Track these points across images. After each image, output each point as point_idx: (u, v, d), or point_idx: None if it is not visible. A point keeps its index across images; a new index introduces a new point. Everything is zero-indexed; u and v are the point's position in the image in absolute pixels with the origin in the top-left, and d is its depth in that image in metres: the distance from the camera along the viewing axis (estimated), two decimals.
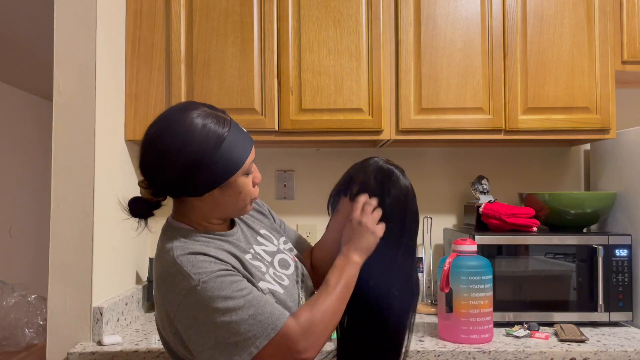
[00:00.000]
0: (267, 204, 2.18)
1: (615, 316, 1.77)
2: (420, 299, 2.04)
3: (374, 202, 1.20)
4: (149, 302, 2.02)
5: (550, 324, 1.77)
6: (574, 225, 1.88)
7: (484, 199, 2.00)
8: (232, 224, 1.23)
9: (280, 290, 1.14)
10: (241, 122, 1.82)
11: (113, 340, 1.57)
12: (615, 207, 1.91)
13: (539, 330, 1.71)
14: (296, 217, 2.21)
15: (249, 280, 1.08)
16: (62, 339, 1.58)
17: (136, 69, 1.87)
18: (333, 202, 1.29)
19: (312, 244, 1.43)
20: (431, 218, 2.17)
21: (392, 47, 1.89)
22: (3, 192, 5.04)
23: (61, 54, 1.62)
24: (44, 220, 5.38)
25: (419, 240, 1.34)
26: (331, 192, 1.30)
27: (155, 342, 1.59)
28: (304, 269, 1.29)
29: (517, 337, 1.65)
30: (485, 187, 2.06)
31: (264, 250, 1.22)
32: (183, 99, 1.84)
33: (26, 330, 4.35)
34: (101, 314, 1.59)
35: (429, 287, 2.13)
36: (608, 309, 1.77)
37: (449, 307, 1.60)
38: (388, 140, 1.91)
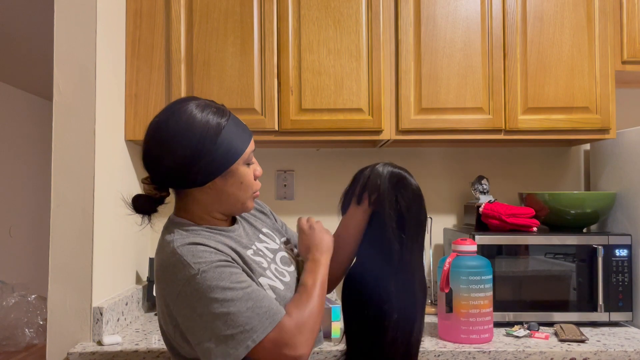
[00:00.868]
0: (267, 204, 2.20)
1: (615, 316, 1.77)
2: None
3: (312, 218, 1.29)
4: (149, 302, 2.02)
5: (550, 324, 1.77)
6: (574, 225, 1.88)
7: (484, 199, 2.00)
8: (233, 222, 1.23)
9: (281, 286, 1.14)
10: None
11: (113, 340, 1.57)
12: (615, 207, 1.91)
13: (539, 330, 1.71)
14: (296, 217, 2.21)
15: (248, 276, 1.08)
16: (62, 339, 1.58)
17: (136, 69, 1.87)
18: (343, 207, 1.32)
19: None
20: (431, 218, 2.17)
21: (392, 47, 1.89)
22: (3, 192, 5.04)
23: (61, 54, 1.62)
24: (44, 220, 5.39)
25: None
26: (342, 198, 1.32)
27: (155, 342, 1.59)
28: None
29: (517, 337, 1.65)
30: (485, 187, 2.06)
31: (266, 247, 1.23)
32: None
33: (26, 330, 4.35)
34: (101, 314, 1.59)
35: (429, 287, 2.13)
36: (608, 309, 1.77)
37: (449, 307, 1.60)
38: (388, 140, 1.92)
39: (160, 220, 1.22)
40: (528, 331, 1.67)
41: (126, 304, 1.79)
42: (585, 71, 1.87)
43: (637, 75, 2.03)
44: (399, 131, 1.88)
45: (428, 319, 1.88)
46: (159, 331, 1.69)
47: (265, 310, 1.02)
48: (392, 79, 1.88)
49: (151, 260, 2.01)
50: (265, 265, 1.16)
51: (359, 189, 1.27)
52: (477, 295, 1.58)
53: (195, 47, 1.86)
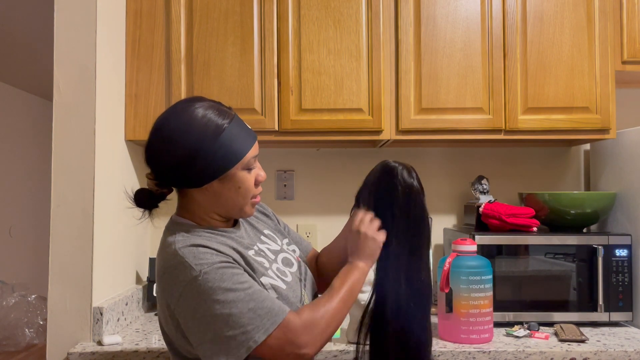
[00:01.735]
0: (267, 204, 2.20)
1: (615, 316, 1.77)
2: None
3: (370, 214, 1.21)
4: (149, 302, 2.02)
5: (550, 324, 1.77)
6: (574, 225, 1.88)
7: (484, 199, 2.00)
8: (235, 223, 1.23)
9: (282, 285, 1.14)
10: None
11: (113, 340, 1.57)
12: (615, 207, 1.91)
13: (539, 330, 1.71)
14: (296, 217, 2.21)
15: (250, 275, 1.08)
16: (62, 339, 1.58)
17: (136, 69, 1.87)
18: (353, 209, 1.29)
19: (312, 244, 1.44)
20: (431, 218, 2.16)
21: (392, 47, 1.89)
22: (3, 192, 5.04)
23: (61, 54, 1.62)
24: (44, 220, 5.38)
25: None
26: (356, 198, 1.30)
27: (155, 342, 1.59)
28: (308, 269, 1.29)
29: (517, 337, 1.65)
30: (485, 187, 2.06)
31: (268, 249, 1.23)
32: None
33: (26, 330, 4.35)
34: (101, 314, 1.59)
35: None
36: (608, 309, 1.77)
37: (449, 307, 1.60)
38: (388, 140, 1.92)
39: (162, 219, 1.22)
40: (528, 331, 1.67)
41: (126, 304, 1.79)
42: (585, 71, 1.87)
43: (637, 75, 2.03)
44: (399, 131, 1.88)
45: None
46: (159, 331, 1.69)
47: (267, 310, 1.01)
48: (392, 79, 1.88)
49: (151, 260, 2.01)
50: (266, 265, 1.16)
51: (361, 188, 1.27)
52: (477, 295, 1.58)
53: (195, 47, 1.86)
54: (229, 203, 1.14)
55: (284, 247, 1.28)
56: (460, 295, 1.58)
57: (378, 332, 1.23)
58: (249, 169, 1.14)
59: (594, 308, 1.77)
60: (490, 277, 1.62)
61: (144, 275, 2.07)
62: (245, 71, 1.85)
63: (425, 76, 1.86)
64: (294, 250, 1.31)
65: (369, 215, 1.21)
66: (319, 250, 1.43)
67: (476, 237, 1.78)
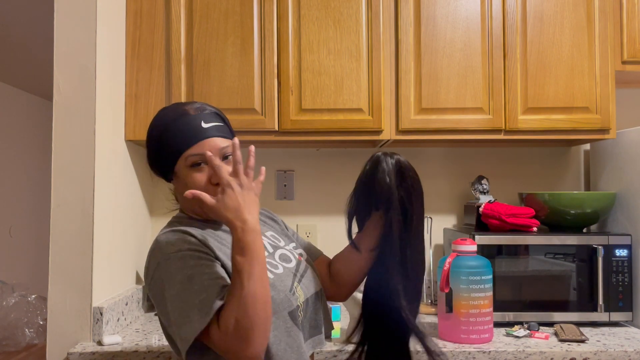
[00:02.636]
0: (267, 204, 2.20)
1: (615, 316, 1.77)
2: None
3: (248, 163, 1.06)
4: (149, 302, 2.02)
5: (550, 324, 1.77)
6: (574, 225, 1.88)
7: (484, 199, 2.00)
8: None
9: (270, 275, 1.13)
10: (241, 122, 1.84)
11: (113, 340, 1.57)
12: (615, 207, 1.91)
13: (539, 330, 1.71)
14: (296, 217, 2.21)
15: (225, 264, 1.08)
16: (62, 339, 1.58)
17: (136, 69, 1.87)
18: (350, 222, 1.26)
19: (312, 244, 1.43)
20: (431, 218, 2.17)
21: (392, 47, 1.89)
22: (3, 192, 5.04)
23: (61, 54, 1.62)
24: (44, 220, 5.39)
25: None
26: (348, 210, 1.26)
27: (155, 342, 1.59)
28: (310, 270, 1.27)
29: (517, 337, 1.65)
30: (485, 187, 2.06)
31: (267, 243, 1.23)
32: (183, 99, 1.85)
33: (26, 330, 4.35)
34: (101, 314, 1.59)
35: (429, 287, 2.13)
36: (608, 309, 1.77)
37: (449, 307, 1.60)
38: (388, 140, 1.92)
39: (163, 220, 1.24)
40: (528, 331, 1.67)
41: (126, 304, 1.79)
42: (585, 71, 1.87)
43: (637, 75, 2.03)
44: (399, 131, 1.88)
45: (428, 319, 1.88)
46: (159, 331, 1.70)
47: (214, 283, 1.00)
48: (392, 79, 1.88)
49: None
50: None
51: (373, 194, 1.21)
52: (477, 295, 1.58)
53: (195, 47, 1.86)
54: (185, 200, 1.17)
55: (286, 247, 1.28)
56: (460, 295, 1.58)
57: (372, 320, 1.23)
58: (193, 166, 1.11)
59: (594, 308, 1.77)
60: (490, 277, 1.62)
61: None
62: (245, 71, 1.85)
63: (425, 76, 1.86)
64: (300, 253, 1.30)
65: (247, 165, 1.06)
66: (328, 256, 1.42)
67: (476, 237, 1.78)
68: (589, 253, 1.78)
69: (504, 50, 1.87)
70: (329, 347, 1.54)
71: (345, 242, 1.31)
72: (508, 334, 1.67)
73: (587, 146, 2.23)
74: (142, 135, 1.86)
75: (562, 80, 1.87)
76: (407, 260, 1.20)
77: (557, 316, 1.77)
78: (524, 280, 1.78)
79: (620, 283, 1.77)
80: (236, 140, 1.07)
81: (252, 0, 1.86)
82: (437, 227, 2.20)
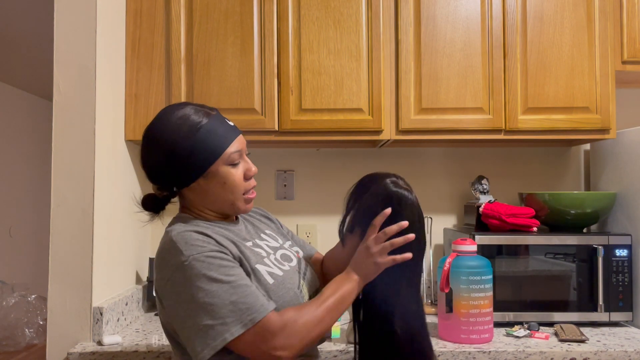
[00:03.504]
0: (267, 204, 2.20)
1: (615, 316, 1.77)
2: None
3: (391, 230, 1.16)
4: (149, 302, 2.02)
5: (550, 324, 1.77)
6: (574, 225, 1.88)
7: (484, 199, 2.00)
8: (235, 219, 1.25)
9: (279, 272, 1.15)
10: (241, 122, 1.83)
11: (113, 340, 1.57)
12: (615, 207, 1.91)
13: (539, 330, 1.71)
14: (296, 217, 2.21)
15: (242, 263, 1.09)
16: (62, 339, 1.58)
17: (136, 69, 1.87)
18: (343, 230, 1.26)
19: (312, 245, 1.44)
20: (431, 218, 2.17)
21: (392, 47, 1.89)
22: (3, 192, 5.04)
23: (61, 54, 1.62)
24: (44, 220, 5.38)
25: None
26: (343, 219, 1.26)
27: (155, 342, 1.59)
28: (309, 268, 1.29)
29: (517, 337, 1.65)
30: (485, 187, 2.06)
31: (267, 245, 1.24)
32: (183, 99, 1.85)
33: (26, 330, 4.35)
34: (101, 314, 1.59)
35: (429, 287, 2.13)
36: (608, 309, 1.76)
37: (449, 307, 1.60)
38: (388, 140, 1.92)
39: (164, 220, 1.24)
40: (528, 331, 1.67)
41: (126, 304, 1.79)
42: (585, 71, 1.87)
43: (637, 75, 2.03)
44: (399, 131, 1.88)
45: (428, 319, 1.88)
46: (159, 331, 1.70)
47: (248, 306, 1.01)
48: (392, 79, 1.88)
49: (151, 260, 2.01)
50: (263, 254, 1.17)
51: (357, 211, 1.22)
52: (477, 295, 1.58)
53: (195, 47, 1.86)
54: (218, 199, 1.16)
55: (284, 246, 1.28)
56: (460, 295, 1.58)
57: (370, 329, 1.23)
58: (232, 164, 1.14)
59: (594, 308, 1.77)
60: (490, 277, 1.62)
61: (144, 275, 2.07)
62: (245, 71, 1.85)
63: (425, 76, 1.86)
64: (297, 251, 1.32)
65: (388, 232, 1.16)
66: (322, 254, 1.44)
67: (476, 237, 1.78)
68: (589, 253, 1.78)
69: (504, 50, 1.87)
70: (329, 347, 1.54)
71: None
72: (508, 334, 1.67)
73: (587, 146, 2.23)
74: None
75: (562, 80, 1.87)
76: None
77: (557, 316, 1.77)
78: (524, 280, 1.78)
79: (620, 283, 1.77)
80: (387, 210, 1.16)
81: (252, 0, 1.86)
82: (437, 227, 2.20)
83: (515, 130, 1.87)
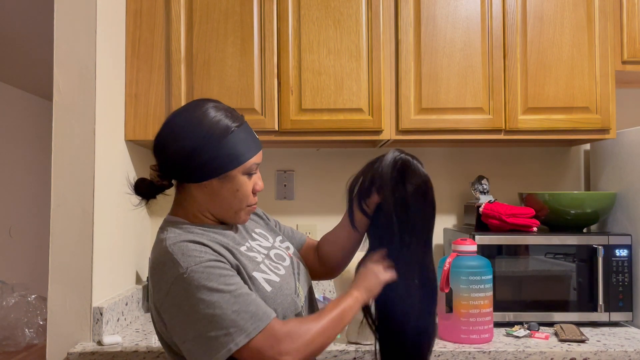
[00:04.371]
0: (267, 204, 2.20)
1: (615, 316, 1.77)
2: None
3: (387, 261, 1.22)
4: (149, 302, 2.02)
5: (550, 324, 1.77)
6: (574, 225, 1.88)
7: (484, 199, 2.00)
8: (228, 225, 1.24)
9: (276, 278, 1.15)
10: None
11: (113, 340, 1.57)
12: (615, 207, 1.91)
13: (539, 330, 1.71)
14: (296, 217, 2.21)
15: (239, 271, 1.09)
16: (62, 339, 1.58)
17: (136, 69, 1.87)
18: (351, 200, 1.27)
19: (293, 229, 1.44)
20: None
21: (392, 47, 1.89)
22: (3, 192, 5.04)
23: (61, 54, 1.62)
24: (44, 220, 5.39)
25: None
26: (351, 189, 1.26)
27: (155, 342, 1.59)
28: (301, 264, 1.30)
29: (517, 337, 1.65)
30: (485, 187, 2.06)
31: (259, 245, 1.24)
32: (183, 99, 1.85)
33: (26, 330, 4.35)
34: (101, 314, 1.59)
35: None
36: (608, 309, 1.77)
37: (449, 307, 1.60)
38: (388, 140, 1.92)
39: (161, 219, 1.23)
40: (528, 331, 1.67)
41: (126, 304, 1.79)
42: (585, 71, 1.87)
43: (637, 75, 2.03)
44: (399, 131, 1.88)
45: None
46: None
47: (251, 315, 1.01)
48: (392, 79, 1.88)
49: None
50: (259, 259, 1.17)
51: (365, 182, 1.24)
52: (477, 295, 1.58)
53: (195, 47, 1.86)
54: (224, 204, 1.16)
55: (275, 245, 1.29)
56: (460, 295, 1.58)
57: (387, 328, 1.24)
58: (249, 174, 1.16)
59: (594, 308, 1.77)
60: (490, 277, 1.62)
61: (144, 275, 2.07)
62: (245, 71, 1.85)
63: (425, 76, 1.86)
64: (287, 247, 1.32)
65: (381, 254, 1.23)
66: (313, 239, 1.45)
67: (476, 237, 1.78)
68: (589, 253, 1.78)
69: (504, 50, 1.87)
70: (329, 347, 1.54)
71: None
72: (508, 334, 1.67)
73: (587, 146, 2.23)
74: (142, 135, 1.86)
75: (562, 80, 1.87)
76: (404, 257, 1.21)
77: (557, 316, 1.77)
78: (524, 280, 1.78)
79: (620, 283, 1.77)
80: None
81: (252, 0, 1.86)
82: (437, 227, 2.19)
83: (515, 130, 1.87)
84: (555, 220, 1.89)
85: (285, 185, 2.22)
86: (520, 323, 1.76)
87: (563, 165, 2.24)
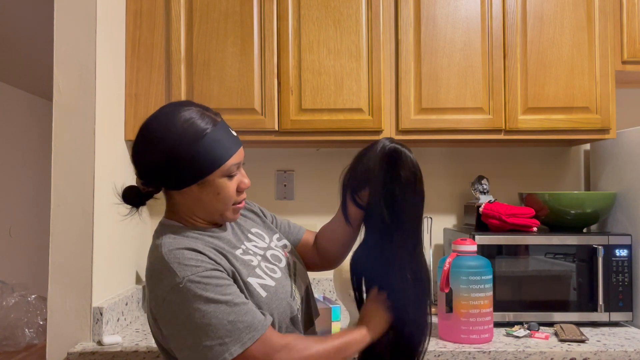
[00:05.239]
0: (267, 204, 2.20)
1: (615, 316, 1.77)
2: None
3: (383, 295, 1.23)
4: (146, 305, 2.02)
5: (550, 324, 1.77)
6: (574, 225, 1.88)
7: (484, 199, 2.00)
8: (223, 225, 1.23)
9: (271, 283, 1.14)
10: (241, 122, 1.84)
11: (113, 340, 1.57)
12: (615, 207, 1.91)
13: (539, 330, 1.71)
14: (296, 217, 2.21)
15: (235, 277, 1.08)
16: (62, 339, 1.58)
17: (136, 69, 1.87)
18: (344, 194, 1.24)
19: (291, 222, 1.44)
20: (431, 218, 2.17)
21: (392, 47, 1.89)
22: (3, 192, 5.04)
23: (61, 54, 1.62)
24: (44, 220, 5.39)
25: None
26: (344, 182, 1.24)
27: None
28: (298, 263, 1.29)
29: (517, 337, 1.65)
30: (485, 187, 2.06)
31: (255, 246, 1.23)
32: (183, 99, 1.85)
33: (26, 330, 4.35)
34: (101, 314, 1.59)
35: None
36: (608, 309, 1.77)
37: (449, 307, 1.60)
38: None
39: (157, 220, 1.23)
40: (528, 331, 1.67)
41: (126, 304, 1.79)
42: (585, 71, 1.87)
43: (637, 75, 2.03)
44: (399, 131, 1.88)
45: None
46: None
47: (247, 325, 1.01)
48: (392, 79, 1.88)
49: None
50: (255, 263, 1.16)
51: (356, 174, 1.21)
52: (477, 295, 1.58)
53: (195, 47, 1.86)
54: (208, 208, 1.14)
55: (271, 245, 1.28)
56: (460, 295, 1.58)
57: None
58: (229, 175, 1.13)
59: (594, 308, 1.77)
60: (490, 277, 1.62)
61: (144, 275, 2.07)
62: (245, 71, 1.85)
63: (425, 76, 1.86)
64: (284, 246, 1.31)
65: (383, 296, 1.23)
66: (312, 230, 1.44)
67: (476, 237, 1.78)
68: (589, 253, 1.78)
69: (504, 50, 1.87)
70: None
71: None
72: (508, 334, 1.67)
73: (587, 146, 2.23)
74: None
75: (562, 80, 1.87)
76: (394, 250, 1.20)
77: (557, 316, 1.77)
78: (524, 280, 1.78)
79: (620, 283, 1.77)
80: None
81: (252, 0, 1.86)
82: (437, 227, 2.20)
83: (515, 130, 1.87)
84: (555, 220, 1.89)
85: (285, 185, 2.22)
86: (520, 323, 1.76)
87: (563, 165, 2.24)
